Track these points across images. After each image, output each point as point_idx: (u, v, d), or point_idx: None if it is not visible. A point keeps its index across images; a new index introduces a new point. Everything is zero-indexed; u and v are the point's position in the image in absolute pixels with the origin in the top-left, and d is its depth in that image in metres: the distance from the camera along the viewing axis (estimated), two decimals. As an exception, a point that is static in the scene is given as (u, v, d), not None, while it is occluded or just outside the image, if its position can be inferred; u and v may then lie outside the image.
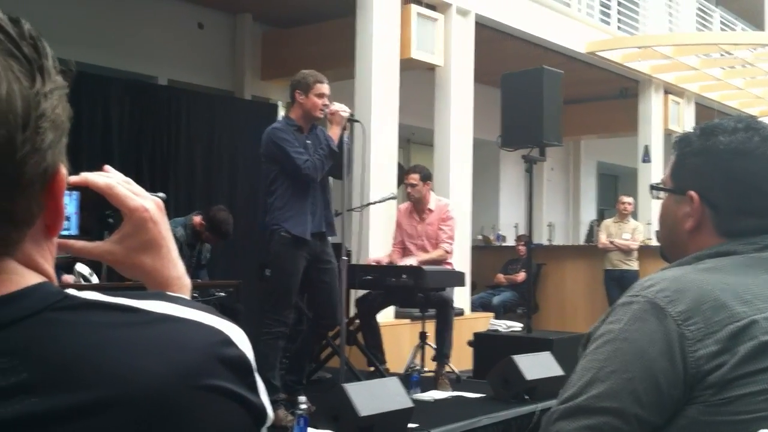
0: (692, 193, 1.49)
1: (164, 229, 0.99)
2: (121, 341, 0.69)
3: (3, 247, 0.70)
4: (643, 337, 1.33)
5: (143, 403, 0.67)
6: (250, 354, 0.76)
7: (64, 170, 0.73)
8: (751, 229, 1.46)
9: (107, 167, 1.00)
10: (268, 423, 0.77)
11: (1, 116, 0.65)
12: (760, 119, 1.55)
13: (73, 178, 0.82)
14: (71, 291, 0.71)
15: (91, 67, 7.27)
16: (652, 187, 1.62)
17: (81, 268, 5.75)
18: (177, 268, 1.00)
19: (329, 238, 5.14)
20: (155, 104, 7.93)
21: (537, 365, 5.48)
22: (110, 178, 0.97)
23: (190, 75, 8.99)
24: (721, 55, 11.77)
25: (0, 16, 0.69)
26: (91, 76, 6.98)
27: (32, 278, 0.72)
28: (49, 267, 0.75)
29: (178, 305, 0.75)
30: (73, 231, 0.99)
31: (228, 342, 0.74)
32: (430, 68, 8.23)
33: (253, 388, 0.75)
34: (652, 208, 10.87)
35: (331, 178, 5.35)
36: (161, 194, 1.02)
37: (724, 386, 1.29)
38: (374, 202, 6.12)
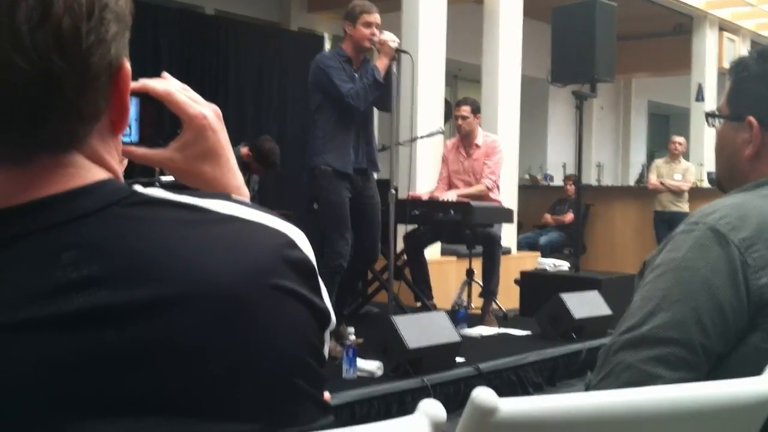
0: (751, 118, 1.44)
1: (223, 138, 0.99)
2: (191, 239, 0.70)
3: (71, 141, 0.71)
4: (706, 265, 1.29)
5: (215, 299, 0.67)
6: (312, 257, 0.77)
7: (127, 65, 0.74)
8: None
9: (165, 74, 0.99)
10: (332, 326, 0.78)
11: (66, 5, 0.66)
12: None
13: (133, 85, 0.81)
14: (138, 188, 0.72)
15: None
16: (708, 115, 1.56)
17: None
18: (236, 178, 1.01)
19: (374, 174, 5.12)
20: (203, 34, 7.93)
21: (585, 304, 5.43)
22: (169, 85, 0.97)
23: (236, 5, 8.90)
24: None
25: None
26: (138, 3, 6.98)
27: (100, 173, 0.72)
28: (116, 164, 0.76)
29: (242, 206, 0.75)
30: (134, 138, 0.98)
31: (292, 244, 0.75)
32: (479, 1, 8.05)
33: (317, 291, 0.76)
34: (705, 149, 10.63)
35: (376, 113, 5.29)
36: None
37: None
38: (422, 137, 6.04)
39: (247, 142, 6.32)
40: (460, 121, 6.13)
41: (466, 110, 6.11)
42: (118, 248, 0.67)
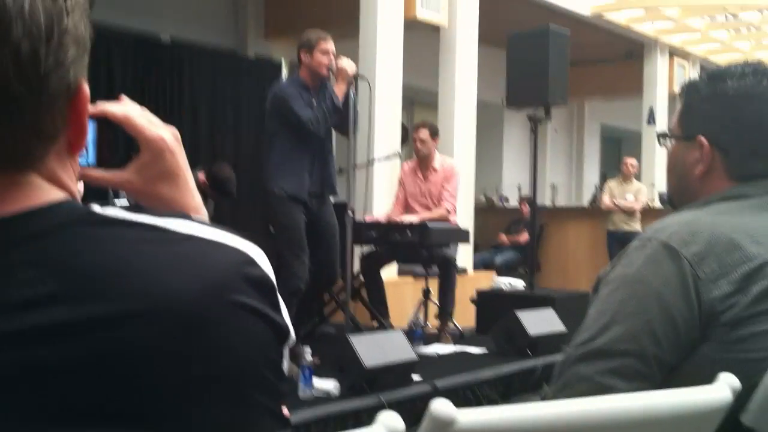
0: (702, 138, 1.49)
1: (181, 160, 0.99)
2: (149, 256, 0.70)
3: (28, 162, 0.71)
4: (659, 279, 1.33)
5: (174, 315, 0.68)
6: (271, 275, 0.77)
7: (86, 87, 0.75)
8: (762, 172, 1.47)
9: (123, 97, 1.01)
10: (290, 343, 0.79)
11: (25, 29, 0.66)
12: None
13: (91, 108, 0.82)
14: (95, 208, 0.72)
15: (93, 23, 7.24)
16: (661, 135, 1.60)
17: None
18: (195, 198, 1.01)
19: (331, 198, 5.20)
20: (159, 62, 7.87)
21: (540, 321, 5.51)
22: (127, 109, 0.98)
23: (193, 32, 8.86)
24: (727, 18, 11.69)
25: None
26: (93, 28, 6.96)
27: (57, 194, 0.72)
28: (73, 184, 0.76)
29: (201, 226, 0.76)
30: (91, 161, 0.99)
31: (251, 262, 0.75)
32: (435, 29, 8.20)
33: (276, 308, 0.77)
34: (656, 170, 10.87)
35: (335, 137, 5.39)
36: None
37: (736, 325, 1.30)
38: (378, 160, 6.13)
39: (204, 168, 6.29)
40: (418, 144, 6.22)
41: (424, 133, 6.21)
42: (76, 266, 0.67)
